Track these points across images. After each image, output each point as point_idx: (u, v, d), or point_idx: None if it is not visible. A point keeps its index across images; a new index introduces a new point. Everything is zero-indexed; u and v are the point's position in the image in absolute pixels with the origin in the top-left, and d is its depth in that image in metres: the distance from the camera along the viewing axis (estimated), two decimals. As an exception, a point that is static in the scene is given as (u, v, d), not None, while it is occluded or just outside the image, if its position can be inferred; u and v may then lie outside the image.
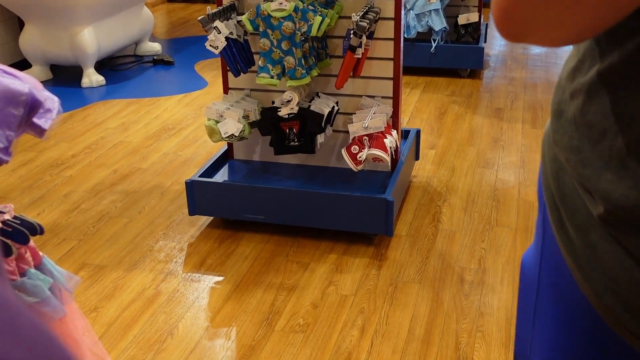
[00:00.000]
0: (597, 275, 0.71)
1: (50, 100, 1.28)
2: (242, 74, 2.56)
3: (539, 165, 0.86)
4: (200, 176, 2.66)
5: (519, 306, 0.97)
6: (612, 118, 0.66)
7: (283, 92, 2.52)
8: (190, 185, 2.61)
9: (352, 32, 2.36)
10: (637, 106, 0.63)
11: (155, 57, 4.87)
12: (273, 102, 2.64)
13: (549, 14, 0.59)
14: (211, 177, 2.72)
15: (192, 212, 2.65)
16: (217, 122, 2.55)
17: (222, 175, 2.78)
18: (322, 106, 2.55)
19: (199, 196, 2.62)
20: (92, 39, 4.30)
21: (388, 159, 2.48)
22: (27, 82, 1.22)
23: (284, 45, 2.41)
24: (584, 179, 0.70)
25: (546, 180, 0.80)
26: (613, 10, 0.56)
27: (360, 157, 2.46)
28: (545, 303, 0.86)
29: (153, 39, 5.28)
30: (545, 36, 0.62)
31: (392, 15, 2.57)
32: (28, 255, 1.38)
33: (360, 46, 2.38)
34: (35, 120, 1.24)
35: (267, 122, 2.59)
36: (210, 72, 4.59)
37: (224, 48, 2.45)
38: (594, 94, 0.68)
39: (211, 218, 2.75)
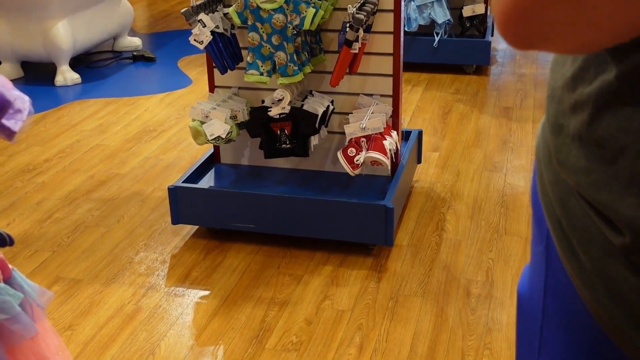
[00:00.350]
0: (620, 310, 0.68)
1: (21, 100, 1.28)
2: (229, 70, 2.56)
3: (532, 184, 0.84)
4: (184, 182, 2.66)
5: (519, 339, 0.95)
6: (633, 133, 0.62)
7: (274, 90, 2.52)
8: (174, 192, 2.61)
9: (348, 25, 2.36)
10: None
11: (135, 53, 4.88)
12: (263, 101, 2.64)
13: (586, 13, 0.52)
14: (196, 182, 2.72)
15: (175, 221, 2.65)
16: (202, 123, 2.55)
17: (207, 181, 2.78)
18: (316, 105, 2.56)
19: (182, 203, 2.62)
20: (66, 34, 4.30)
21: (388, 162, 2.49)
22: (-5, 81, 1.22)
23: (274, 40, 2.41)
24: (600, 205, 0.66)
25: (548, 204, 0.77)
26: None
27: (357, 161, 2.47)
28: (553, 335, 0.85)
29: (133, 33, 5.29)
30: (570, 41, 0.56)
31: (392, 7, 2.58)
32: (-4, 268, 1.38)
33: (357, 40, 2.39)
34: (4, 121, 1.24)
35: (257, 122, 2.59)
36: (195, 68, 4.60)
37: (210, 43, 2.46)
38: (606, 106, 0.64)
39: (196, 227, 2.75)
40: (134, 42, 5.01)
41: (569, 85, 0.70)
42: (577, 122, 0.68)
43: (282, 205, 2.54)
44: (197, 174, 2.76)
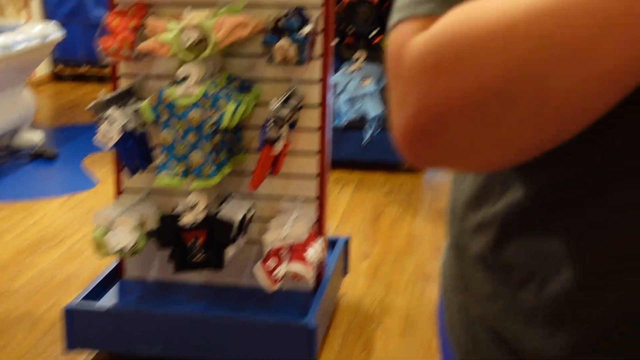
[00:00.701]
0: None
1: None
2: (139, 172, 2.53)
3: (438, 315, 0.83)
4: (83, 299, 2.58)
5: None
6: (540, 258, 0.63)
7: (188, 193, 2.50)
8: (70, 313, 2.51)
9: (271, 121, 2.38)
10: (589, 242, 0.60)
11: (34, 150, 4.79)
12: (174, 208, 2.61)
13: (491, 131, 0.54)
14: (97, 300, 2.64)
15: (71, 346, 2.55)
16: (107, 231, 2.49)
17: (110, 298, 2.70)
18: (234, 211, 2.54)
19: (80, 325, 2.52)
20: (-44, 129, 4.21)
21: (310, 275, 2.47)
22: None
23: (190, 138, 2.41)
24: (506, 334, 0.67)
25: (455, 334, 0.77)
26: (587, 115, 0.52)
27: (276, 275, 2.43)
28: None
29: (34, 126, 5.21)
30: (475, 160, 0.58)
31: (318, 101, 2.64)
32: None
33: (280, 138, 2.40)
34: None
35: (167, 231, 2.56)
36: (102, 168, 4.53)
37: (119, 141, 2.43)
38: (513, 228, 0.65)
39: (95, 352, 2.65)
40: (34, 138, 4.93)
41: (472, 204, 0.70)
42: (482, 244, 0.69)
43: (193, 326, 2.49)
44: (99, 290, 2.68)
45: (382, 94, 4.51)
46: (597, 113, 0.51)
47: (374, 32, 4.46)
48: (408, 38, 0.60)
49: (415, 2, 0.62)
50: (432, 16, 0.60)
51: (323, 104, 2.64)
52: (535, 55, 0.50)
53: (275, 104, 2.40)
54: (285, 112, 2.39)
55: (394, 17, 0.64)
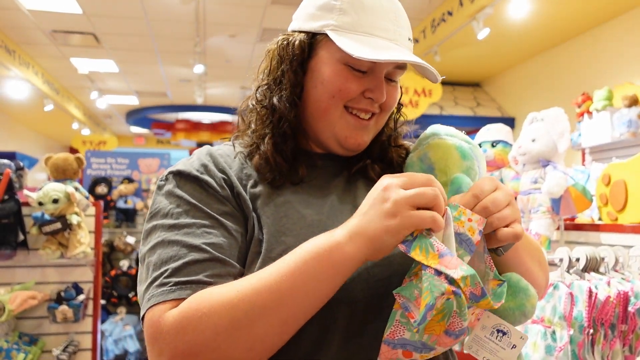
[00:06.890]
0: None
1: None
2: None
3: None
4: None
5: None
6: None
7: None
8: None
9: (53, 367, 2.66)
10: None
11: None
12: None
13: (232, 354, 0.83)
14: None
15: None
16: None
17: None
18: None
19: None
20: None
21: None
22: None
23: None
24: None
25: None
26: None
27: None
28: None
29: None
30: None
31: (90, 346, 3.00)
32: None
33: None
34: None
35: None
36: None
37: None
38: None
39: None
40: None
41: None
42: None
43: None
44: None
45: (139, 336, 4.96)
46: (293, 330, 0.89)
47: (132, 294, 5.10)
48: (163, 313, 0.87)
49: (166, 292, 0.89)
50: (178, 299, 0.88)
51: (94, 346, 3.01)
52: (246, 316, 0.84)
53: (56, 351, 2.74)
54: (64, 357, 2.73)
55: (151, 301, 0.90)
